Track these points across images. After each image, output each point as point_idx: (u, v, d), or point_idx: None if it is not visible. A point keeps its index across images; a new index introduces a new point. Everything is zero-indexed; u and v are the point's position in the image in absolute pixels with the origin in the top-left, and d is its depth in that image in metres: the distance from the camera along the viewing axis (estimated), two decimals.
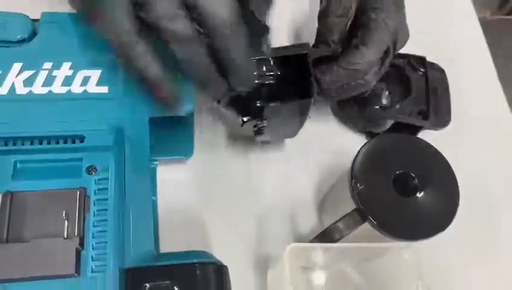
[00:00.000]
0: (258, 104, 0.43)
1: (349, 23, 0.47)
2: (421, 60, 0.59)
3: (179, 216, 0.51)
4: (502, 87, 0.65)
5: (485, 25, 0.71)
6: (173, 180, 0.52)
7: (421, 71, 0.58)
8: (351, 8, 0.47)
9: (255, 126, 0.46)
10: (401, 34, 0.48)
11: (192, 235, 0.50)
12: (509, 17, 1.66)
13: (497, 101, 0.64)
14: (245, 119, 0.44)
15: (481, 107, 0.62)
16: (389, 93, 0.57)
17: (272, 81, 0.44)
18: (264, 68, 0.42)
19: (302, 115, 0.47)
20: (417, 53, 0.59)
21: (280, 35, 0.60)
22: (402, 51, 0.57)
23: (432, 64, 0.59)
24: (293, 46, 0.45)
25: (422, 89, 0.57)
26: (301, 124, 0.49)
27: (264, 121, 0.45)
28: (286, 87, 0.44)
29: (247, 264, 0.50)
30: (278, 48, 0.45)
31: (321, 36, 0.48)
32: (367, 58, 0.45)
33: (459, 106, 0.59)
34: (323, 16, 0.49)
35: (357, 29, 0.47)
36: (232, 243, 0.49)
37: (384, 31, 0.45)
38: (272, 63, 0.44)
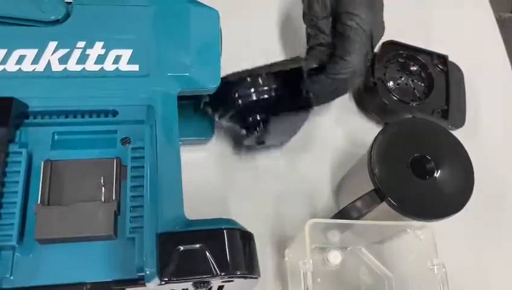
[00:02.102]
0: (259, 118, 0.46)
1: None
2: (443, 58, 0.60)
3: (198, 196, 0.52)
4: None
5: (502, 22, 0.72)
6: (194, 161, 0.54)
7: (440, 68, 0.59)
8: (329, 6, 0.50)
9: (257, 138, 0.49)
10: (376, 32, 0.50)
11: (211, 214, 0.51)
12: None
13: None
14: (246, 132, 0.48)
15: (495, 103, 0.63)
16: (413, 89, 0.59)
17: (268, 95, 0.46)
18: (261, 83, 0.44)
19: (300, 124, 0.50)
20: (432, 49, 0.60)
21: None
22: (425, 46, 0.59)
23: (452, 63, 0.60)
24: (286, 60, 0.48)
25: (443, 88, 0.59)
26: (298, 131, 0.52)
27: (266, 133, 0.48)
28: (284, 100, 0.47)
29: (265, 243, 0.51)
30: (273, 64, 0.47)
31: (314, 39, 0.51)
32: (351, 68, 0.48)
33: (473, 102, 0.60)
34: (310, 19, 0.51)
35: (336, 37, 0.49)
36: (250, 223, 0.50)
37: (362, 38, 0.48)
38: (267, 78, 0.46)
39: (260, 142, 0.50)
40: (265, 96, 0.46)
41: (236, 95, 0.45)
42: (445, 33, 0.66)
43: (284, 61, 0.48)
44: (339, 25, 0.49)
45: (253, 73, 0.45)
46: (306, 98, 0.46)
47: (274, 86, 0.46)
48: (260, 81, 0.45)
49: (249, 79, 0.45)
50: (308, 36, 0.52)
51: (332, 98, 0.52)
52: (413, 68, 0.60)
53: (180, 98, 0.42)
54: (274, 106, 0.46)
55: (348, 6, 0.48)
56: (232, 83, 0.45)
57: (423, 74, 0.59)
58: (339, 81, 0.48)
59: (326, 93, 0.50)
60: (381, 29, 0.51)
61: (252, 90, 0.45)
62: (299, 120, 0.49)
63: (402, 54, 0.60)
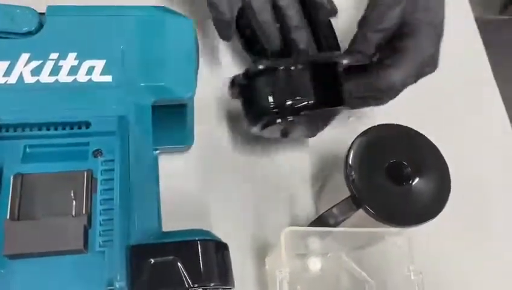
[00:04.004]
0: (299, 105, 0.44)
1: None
2: None
3: (178, 204, 0.52)
4: (497, 85, 0.66)
5: (482, 24, 0.72)
6: (174, 168, 0.54)
7: None
8: (391, 28, 0.47)
9: (282, 130, 0.48)
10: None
11: (192, 222, 0.51)
12: (505, 17, 1.66)
13: (491, 99, 0.65)
14: (278, 121, 0.45)
15: (473, 106, 0.64)
16: None
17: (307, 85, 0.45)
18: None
19: (330, 120, 0.49)
20: None
21: None
22: None
23: None
24: (324, 53, 0.48)
25: None
26: (325, 127, 0.51)
27: (298, 124, 0.47)
28: (317, 93, 0.45)
29: (246, 251, 0.51)
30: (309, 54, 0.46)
31: (357, 45, 0.48)
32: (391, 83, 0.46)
33: (451, 105, 0.60)
34: (362, 26, 0.48)
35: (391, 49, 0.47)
36: (230, 231, 0.50)
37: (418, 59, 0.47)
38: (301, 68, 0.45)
39: (285, 134, 0.48)
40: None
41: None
42: None
43: (320, 53, 0.48)
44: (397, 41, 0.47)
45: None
46: (338, 94, 0.45)
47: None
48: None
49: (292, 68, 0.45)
50: (354, 39, 0.49)
51: (362, 105, 0.50)
52: None
53: (160, 106, 0.42)
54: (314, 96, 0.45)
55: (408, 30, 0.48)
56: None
57: None
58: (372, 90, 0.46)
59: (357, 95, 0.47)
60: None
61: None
62: (331, 114, 0.48)
63: None
